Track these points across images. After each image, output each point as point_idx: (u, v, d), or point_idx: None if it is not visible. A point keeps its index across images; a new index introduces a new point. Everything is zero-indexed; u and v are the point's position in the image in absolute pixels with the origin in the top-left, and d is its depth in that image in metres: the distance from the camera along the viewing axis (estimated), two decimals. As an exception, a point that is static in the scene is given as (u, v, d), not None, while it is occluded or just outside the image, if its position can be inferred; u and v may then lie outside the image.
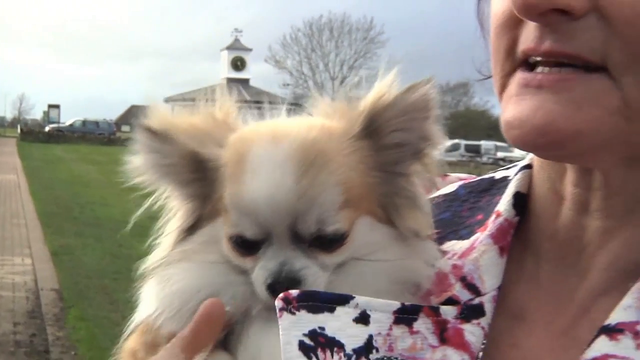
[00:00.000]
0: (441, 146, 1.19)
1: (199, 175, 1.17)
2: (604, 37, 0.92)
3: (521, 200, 1.21)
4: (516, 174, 1.25)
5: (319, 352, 1.03)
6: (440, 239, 1.24)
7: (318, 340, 1.03)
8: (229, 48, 74.65)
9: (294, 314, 1.04)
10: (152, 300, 1.19)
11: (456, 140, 74.90)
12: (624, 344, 0.96)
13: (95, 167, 44.81)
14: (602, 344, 0.98)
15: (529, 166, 1.25)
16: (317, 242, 1.10)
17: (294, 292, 1.06)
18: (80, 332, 10.94)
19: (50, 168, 42.19)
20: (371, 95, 1.17)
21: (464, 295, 1.13)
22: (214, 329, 1.11)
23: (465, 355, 1.07)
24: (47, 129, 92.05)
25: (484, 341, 1.11)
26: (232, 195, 1.10)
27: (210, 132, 1.18)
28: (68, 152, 60.30)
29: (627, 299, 1.00)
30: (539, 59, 0.98)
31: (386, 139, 1.15)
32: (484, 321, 1.11)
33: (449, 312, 1.11)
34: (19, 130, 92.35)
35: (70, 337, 10.76)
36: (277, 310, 1.05)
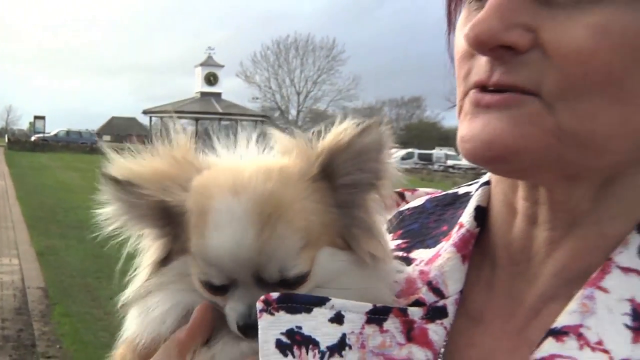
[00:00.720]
0: (394, 182, 1.21)
1: (167, 219, 1.15)
2: (543, 69, 0.96)
3: (481, 213, 1.23)
4: (477, 190, 1.27)
5: (295, 350, 1.03)
6: (410, 248, 1.27)
7: (295, 339, 1.04)
8: (203, 64, 74.59)
9: (273, 314, 1.04)
10: (136, 324, 1.19)
11: (410, 150, 75.66)
12: (569, 345, 0.98)
13: (78, 173, 44.55)
14: (550, 345, 1.00)
15: (488, 182, 1.27)
16: (282, 283, 1.10)
17: (274, 295, 1.06)
18: (65, 327, 10.88)
19: (36, 175, 41.94)
20: (328, 138, 1.16)
21: (429, 297, 1.15)
22: (206, 331, 1.12)
23: (429, 352, 1.09)
24: (33, 138, 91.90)
25: (446, 340, 1.13)
26: (197, 246, 1.09)
27: (173, 175, 1.15)
28: (53, 160, 60.00)
29: (572, 304, 1.02)
30: (490, 88, 1.01)
31: (342, 179, 1.15)
32: (447, 321, 1.13)
33: (415, 312, 1.12)
34: (6, 140, 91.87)
35: (55, 331, 10.69)
36: (258, 312, 1.05)
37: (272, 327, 1.04)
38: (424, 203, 1.41)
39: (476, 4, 1.06)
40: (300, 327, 1.05)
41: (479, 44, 0.99)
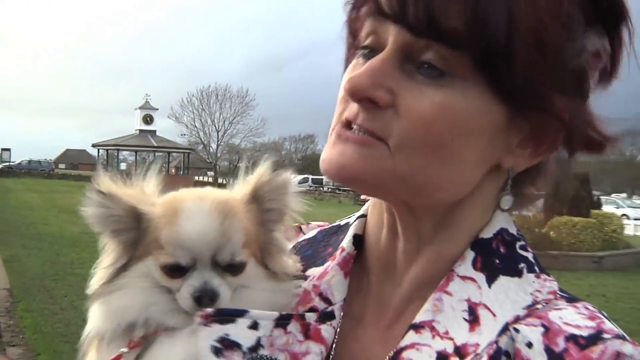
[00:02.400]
0: (297, 209, 1.26)
1: (134, 225, 1.17)
2: (393, 125, 0.99)
3: (358, 240, 1.26)
4: (355, 221, 1.30)
5: (225, 352, 1.06)
6: (305, 269, 1.28)
7: (224, 344, 1.07)
8: (141, 107, 72.56)
9: (209, 326, 1.08)
10: (96, 317, 1.19)
11: (305, 175, 75.90)
12: (425, 336, 1.03)
13: (38, 195, 43.13)
14: (411, 336, 1.04)
15: (363, 215, 1.29)
16: (228, 268, 1.14)
17: (209, 310, 1.09)
18: (27, 320, 10.54)
19: (1, 196, 40.27)
20: (255, 176, 1.23)
21: (321, 305, 1.17)
22: None
23: (322, 346, 1.12)
24: (0, 166, 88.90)
25: (336, 336, 1.15)
26: (170, 235, 1.13)
27: (142, 196, 1.20)
28: (16, 184, 57.72)
29: (427, 305, 1.06)
30: (355, 126, 1.03)
31: (265, 205, 1.22)
32: (335, 322, 1.16)
33: (311, 317, 1.15)
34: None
35: (18, 324, 10.35)
36: (198, 325, 1.08)
37: (209, 336, 1.07)
38: (315, 235, 1.42)
39: (362, 60, 1.07)
40: (228, 335, 1.07)
41: (352, 94, 1.02)
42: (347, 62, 1.15)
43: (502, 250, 1.09)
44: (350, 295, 1.19)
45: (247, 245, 1.16)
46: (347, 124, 1.04)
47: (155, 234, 1.14)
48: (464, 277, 1.07)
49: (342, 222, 1.37)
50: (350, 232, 1.26)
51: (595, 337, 0.92)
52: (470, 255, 1.09)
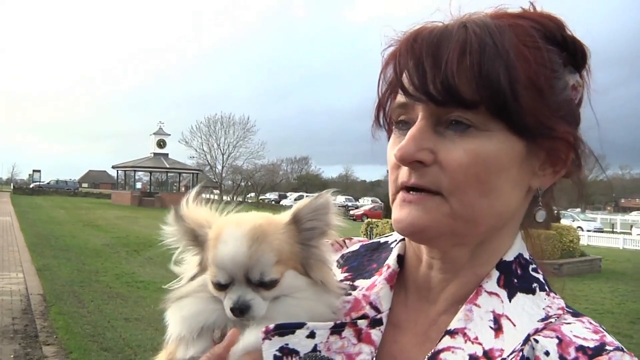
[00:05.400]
0: (337, 226, 1.27)
1: (198, 243, 1.24)
2: (440, 177, 1.07)
3: (401, 259, 1.30)
4: (398, 243, 1.34)
5: (285, 358, 1.10)
6: (353, 279, 1.33)
7: (284, 352, 1.11)
8: (155, 133, 71.96)
9: (270, 339, 1.11)
10: (174, 322, 1.23)
11: (301, 193, 75.89)
12: (458, 340, 1.08)
13: (65, 211, 43.06)
14: (447, 340, 1.09)
15: (404, 238, 1.33)
16: (261, 284, 1.16)
17: (271, 326, 1.12)
18: (59, 322, 10.53)
19: (34, 212, 40.18)
20: (300, 201, 1.27)
21: (371, 312, 1.21)
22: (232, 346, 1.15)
23: (372, 347, 1.17)
24: (31, 185, 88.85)
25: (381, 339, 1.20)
26: (213, 257, 1.18)
27: (207, 218, 1.25)
28: (46, 201, 57.48)
29: (460, 314, 1.12)
30: (409, 187, 1.11)
31: (304, 225, 1.23)
32: (382, 328, 1.20)
33: (362, 323, 1.19)
34: (12, 187, 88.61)
35: (52, 326, 10.34)
36: (262, 340, 1.11)
37: (271, 347, 1.10)
38: (358, 248, 1.46)
39: (399, 133, 1.15)
40: (287, 344, 1.11)
41: (402, 160, 1.09)
42: (389, 136, 1.22)
43: (519, 271, 1.16)
44: (393, 305, 1.25)
45: (282, 262, 1.18)
46: (406, 188, 1.12)
47: (207, 254, 1.20)
48: (490, 293, 1.13)
49: (382, 240, 1.43)
50: (395, 252, 1.31)
51: (600, 349, 0.99)
52: (495, 274, 1.15)
